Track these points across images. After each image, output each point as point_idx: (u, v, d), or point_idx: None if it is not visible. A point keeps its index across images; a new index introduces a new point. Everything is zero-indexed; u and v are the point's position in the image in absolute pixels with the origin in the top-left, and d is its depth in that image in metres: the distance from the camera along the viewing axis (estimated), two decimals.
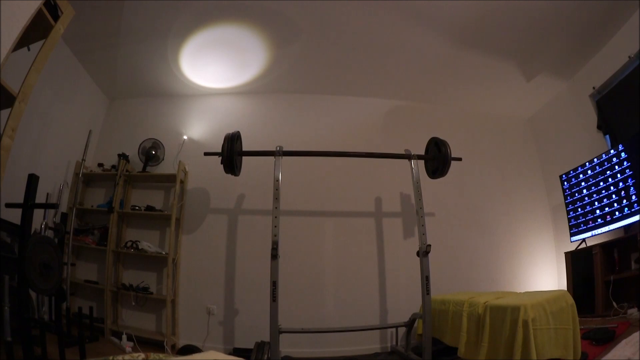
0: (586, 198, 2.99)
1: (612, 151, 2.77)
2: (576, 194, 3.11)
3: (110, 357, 0.82)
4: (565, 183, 3.24)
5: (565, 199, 3.23)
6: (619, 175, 2.68)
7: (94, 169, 3.41)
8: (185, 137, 3.67)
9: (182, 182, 3.40)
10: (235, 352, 2.94)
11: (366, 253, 3.37)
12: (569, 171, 3.20)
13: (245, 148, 2.91)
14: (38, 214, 2.55)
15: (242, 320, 3.10)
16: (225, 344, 3.05)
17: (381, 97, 3.93)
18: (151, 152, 3.46)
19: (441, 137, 2.87)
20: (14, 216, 2.04)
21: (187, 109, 3.82)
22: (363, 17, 2.89)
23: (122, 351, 2.62)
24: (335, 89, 3.82)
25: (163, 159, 3.52)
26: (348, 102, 3.89)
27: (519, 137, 4.09)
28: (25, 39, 1.79)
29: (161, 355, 0.91)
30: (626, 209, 2.58)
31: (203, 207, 3.45)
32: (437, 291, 2.63)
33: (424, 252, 2.48)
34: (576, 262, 2.99)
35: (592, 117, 3.19)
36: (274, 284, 2.33)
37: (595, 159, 2.92)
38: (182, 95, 3.84)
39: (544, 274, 3.48)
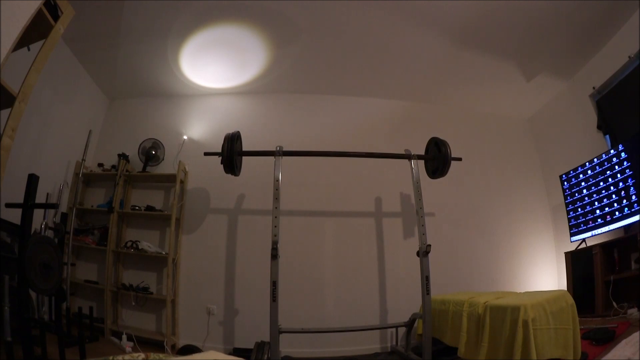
0: (586, 198, 2.99)
1: (612, 151, 2.77)
2: (576, 194, 3.11)
3: (110, 357, 0.82)
4: (565, 183, 3.24)
5: (565, 199, 3.23)
6: (619, 175, 2.68)
7: (94, 169, 3.41)
8: (185, 137, 3.67)
9: (182, 182, 3.40)
10: (235, 352, 2.93)
11: (366, 253, 3.37)
12: (569, 171, 3.20)
13: (245, 148, 2.91)
14: (38, 214, 2.55)
15: (242, 320, 3.10)
16: (225, 344, 3.05)
17: (381, 97, 3.93)
18: (151, 152, 3.46)
19: (441, 137, 2.87)
20: (14, 216, 2.04)
21: (187, 109, 3.82)
22: (363, 17, 2.89)
23: (122, 351, 2.62)
24: (335, 89, 3.82)
25: (163, 159, 3.52)
26: (348, 102, 3.89)
27: (519, 137, 4.09)
28: (25, 39, 1.79)
29: (161, 355, 0.91)
30: (626, 209, 2.58)
31: (203, 207, 3.45)
32: (437, 291, 2.63)
33: (424, 252, 2.48)
34: (576, 262, 2.99)
35: (592, 117, 3.19)
36: (274, 284, 2.33)
37: (595, 159, 2.92)
38: (182, 95, 3.84)
39: (544, 274, 3.48)
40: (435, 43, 3.15)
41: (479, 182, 3.76)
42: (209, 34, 3.04)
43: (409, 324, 2.79)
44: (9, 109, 1.69)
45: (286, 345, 2.83)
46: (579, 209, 3.05)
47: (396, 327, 2.98)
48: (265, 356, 2.46)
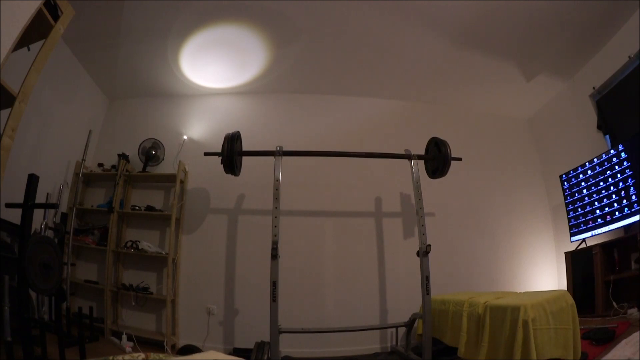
0: (586, 198, 2.99)
1: (612, 151, 2.77)
2: (576, 194, 3.11)
3: (110, 357, 0.82)
4: (565, 183, 3.24)
5: (565, 199, 3.23)
6: (619, 175, 2.68)
7: (94, 169, 3.41)
8: (185, 137, 3.67)
9: (182, 182, 3.40)
10: (235, 352, 2.93)
11: (366, 253, 3.37)
12: (569, 171, 3.20)
13: (245, 148, 2.91)
14: (38, 214, 2.55)
15: (242, 320, 3.10)
16: (225, 344, 3.05)
17: (381, 97, 3.93)
18: (151, 152, 3.46)
19: (441, 137, 2.87)
20: (14, 216, 2.04)
21: (187, 109, 3.82)
22: (363, 18, 2.89)
23: (122, 351, 2.62)
24: (335, 89, 3.82)
25: (163, 159, 3.52)
26: (348, 102, 3.89)
27: (519, 137, 4.09)
28: (25, 39, 1.79)
29: (161, 355, 0.91)
30: (626, 209, 2.58)
31: (203, 207, 3.45)
32: (437, 291, 2.63)
33: (424, 252, 2.48)
34: (576, 262, 2.99)
35: (592, 117, 3.19)
36: (274, 284, 2.33)
37: (595, 159, 2.92)
38: (182, 95, 3.84)
39: (544, 274, 3.48)
40: (435, 43, 3.15)
41: (479, 182, 3.76)
42: (209, 34, 3.04)
43: (409, 324, 2.79)
44: (9, 109, 1.69)
45: (286, 345, 2.83)
46: (579, 209, 3.05)
47: (396, 327, 2.98)
48: (265, 356, 2.46)
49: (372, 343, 3.08)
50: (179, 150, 3.60)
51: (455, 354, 2.22)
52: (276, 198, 2.54)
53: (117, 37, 3.03)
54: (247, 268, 3.21)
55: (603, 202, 2.80)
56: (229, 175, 2.80)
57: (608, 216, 2.74)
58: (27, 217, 1.85)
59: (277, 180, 2.60)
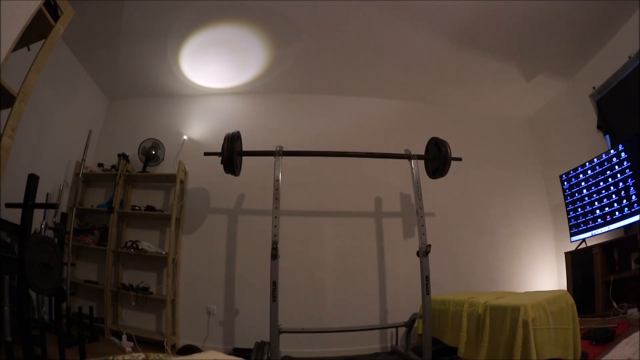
0: (586, 198, 2.99)
1: (612, 151, 2.77)
2: (576, 194, 3.11)
3: (110, 357, 0.82)
4: (565, 183, 3.24)
5: (565, 199, 3.23)
6: (619, 175, 2.68)
7: (94, 169, 3.41)
8: (185, 137, 3.67)
9: (182, 182, 3.40)
10: (235, 352, 2.94)
11: (366, 253, 3.37)
12: (569, 171, 3.20)
13: (245, 148, 2.91)
14: (38, 214, 2.55)
15: (242, 320, 3.10)
16: (225, 344, 3.05)
17: (381, 97, 3.93)
18: (151, 152, 3.46)
19: (441, 137, 2.87)
20: (14, 216, 2.04)
21: (187, 109, 3.82)
22: (363, 17, 2.89)
23: (122, 351, 2.62)
24: (335, 89, 3.82)
25: (163, 159, 3.52)
26: (348, 102, 3.89)
27: (519, 137, 4.09)
28: (25, 39, 1.79)
29: (161, 355, 0.91)
30: (626, 209, 2.58)
31: (203, 207, 3.45)
32: (437, 291, 2.63)
33: (424, 252, 2.48)
34: (576, 262, 2.99)
35: (592, 117, 3.19)
36: (274, 284, 2.33)
37: (595, 159, 2.92)
38: (182, 95, 3.84)
39: (544, 274, 3.48)
40: (435, 43, 3.15)
41: (479, 182, 3.76)
42: (209, 34, 3.04)
43: (409, 324, 2.79)
44: (9, 109, 1.69)
45: (286, 345, 2.83)
46: (579, 209, 3.05)
47: (396, 327, 2.98)
48: (265, 356, 2.46)
49: (372, 343, 3.08)
50: (179, 150, 3.61)
51: (455, 354, 2.22)
52: (276, 198, 2.54)
53: (117, 37, 3.03)
54: (247, 268, 3.21)
55: (603, 202, 2.80)
56: (229, 175, 2.80)
57: (608, 216, 2.74)
58: (27, 217, 1.85)
59: (277, 180, 2.60)
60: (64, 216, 3.06)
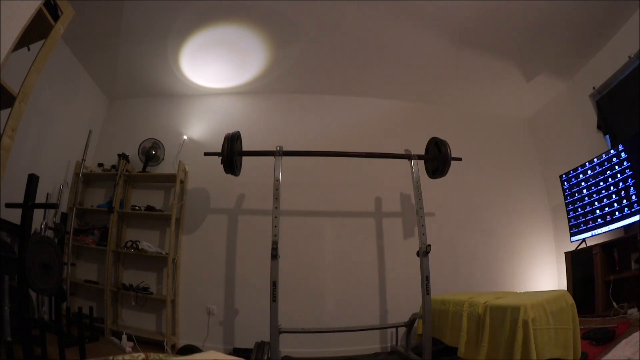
0: (586, 198, 2.99)
1: (612, 151, 2.77)
2: (576, 194, 3.11)
3: (110, 357, 0.82)
4: (565, 183, 3.24)
5: (565, 199, 3.23)
6: (619, 175, 2.68)
7: (94, 169, 3.41)
8: (185, 137, 3.67)
9: (182, 182, 3.40)
10: (235, 352, 2.94)
11: (366, 253, 3.37)
12: (569, 171, 3.20)
13: (245, 148, 2.91)
14: (38, 214, 2.55)
15: (242, 320, 3.10)
16: (225, 344, 3.05)
17: (381, 97, 3.92)
18: (151, 152, 3.46)
19: (441, 137, 2.87)
20: (14, 216, 2.04)
21: (187, 109, 3.82)
22: (363, 18, 2.89)
23: (122, 351, 2.62)
24: (335, 89, 3.82)
25: (163, 159, 3.52)
26: (348, 102, 3.89)
27: (519, 137, 4.09)
28: (25, 39, 1.79)
29: (161, 355, 0.91)
30: (626, 209, 2.58)
31: (203, 207, 3.45)
32: (437, 291, 2.63)
33: (424, 252, 2.48)
34: (576, 262, 2.99)
35: (592, 117, 3.19)
36: (274, 284, 2.33)
37: (595, 159, 2.92)
38: (182, 95, 3.84)
39: (544, 274, 3.48)
40: (435, 43, 3.15)
41: (479, 182, 3.76)
42: (209, 34, 3.04)
43: (409, 324, 2.79)
44: (9, 109, 1.69)
45: (286, 345, 2.83)
46: (579, 209, 3.05)
47: (396, 327, 2.98)
48: (265, 356, 2.46)
49: (372, 343, 3.08)
50: (179, 150, 3.61)
51: (455, 354, 2.22)
52: (276, 198, 2.54)
53: (117, 37, 3.03)
54: (247, 268, 3.21)
55: (603, 202, 2.80)
56: (229, 175, 2.80)
57: (608, 216, 2.74)
58: (27, 217, 1.85)
59: (277, 180, 2.60)
60: (64, 216, 3.06)
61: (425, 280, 2.43)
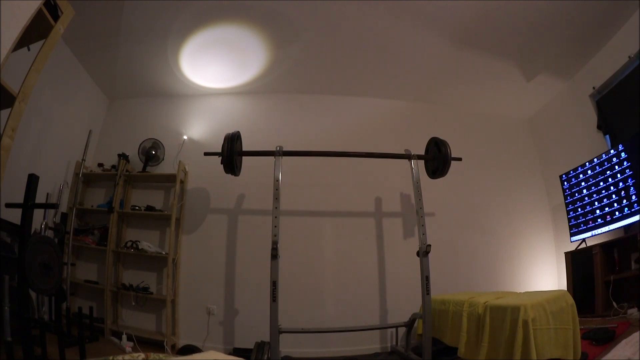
0: (586, 198, 2.99)
1: (612, 151, 2.77)
2: (576, 194, 3.11)
3: (110, 357, 0.82)
4: (565, 183, 3.24)
5: (565, 199, 3.23)
6: (619, 175, 2.68)
7: (94, 169, 3.41)
8: (185, 137, 3.67)
9: (182, 182, 3.40)
10: (235, 352, 2.94)
11: (366, 253, 3.37)
12: (569, 171, 3.20)
13: (245, 148, 2.91)
14: (38, 214, 2.55)
15: (242, 320, 3.10)
16: (225, 344, 3.05)
17: (381, 97, 3.92)
18: (151, 152, 3.46)
19: (441, 137, 2.87)
20: (14, 216, 2.04)
21: (187, 109, 3.82)
22: (363, 18, 2.89)
23: (122, 351, 2.62)
24: (335, 89, 3.82)
25: (163, 159, 3.52)
26: (348, 102, 3.89)
27: (519, 137, 4.09)
28: (25, 39, 1.79)
29: (161, 355, 0.91)
30: (626, 209, 2.58)
31: (203, 207, 3.45)
32: (437, 291, 2.62)
33: (424, 252, 2.48)
34: (576, 262, 2.99)
35: (592, 117, 3.19)
36: (274, 284, 2.33)
37: (595, 159, 2.92)
38: (182, 95, 3.84)
39: (544, 274, 3.48)
40: (435, 43, 3.15)
41: (479, 182, 3.76)
42: (209, 34, 3.04)
43: (409, 324, 2.79)
44: (9, 109, 1.69)
45: (286, 345, 2.83)
46: (579, 209, 3.05)
47: (396, 327, 2.98)
48: (265, 356, 2.46)
49: (372, 343, 3.08)
50: (179, 150, 3.60)
51: (455, 354, 2.22)
52: (276, 198, 2.54)
53: (117, 37, 3.03)
54: (247, 268, 3.21)
55: (603, 202, 2.80)
56: (229, 175, 2.80)
57: (608, 216, 2.74)
58: (27, 217, 1.85)
59: (277, 180, 2.60)
60: (64, 216, 3.06)
61: (425, 280, 2.43)
